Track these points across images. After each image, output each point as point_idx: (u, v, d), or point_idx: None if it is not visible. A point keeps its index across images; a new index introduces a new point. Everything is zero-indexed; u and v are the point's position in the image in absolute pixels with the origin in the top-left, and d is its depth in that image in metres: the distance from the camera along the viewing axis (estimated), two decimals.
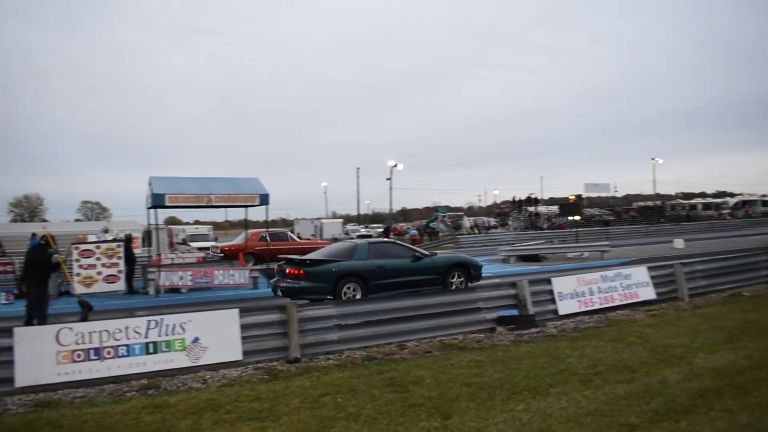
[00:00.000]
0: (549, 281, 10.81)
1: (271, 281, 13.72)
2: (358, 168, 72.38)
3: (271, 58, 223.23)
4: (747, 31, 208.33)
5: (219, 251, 24.16)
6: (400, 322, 9.19)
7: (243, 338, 8.03)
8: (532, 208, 54.58)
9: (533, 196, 59.55)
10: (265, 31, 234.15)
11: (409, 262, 13.13)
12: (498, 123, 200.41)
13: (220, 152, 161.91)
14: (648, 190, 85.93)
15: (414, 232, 47.16)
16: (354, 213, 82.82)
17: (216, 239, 46.74)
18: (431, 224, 51.02)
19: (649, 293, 11.68)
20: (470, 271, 13.77)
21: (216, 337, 7.95)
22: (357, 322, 8.89)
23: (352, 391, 6.56)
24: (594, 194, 70.95)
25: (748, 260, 14.06)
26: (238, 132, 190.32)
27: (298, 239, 26.31)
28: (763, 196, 75.59)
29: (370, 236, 50.01)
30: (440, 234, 47.48)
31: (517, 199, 61.39)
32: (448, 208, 64.79)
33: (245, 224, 30.46)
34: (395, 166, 56.74)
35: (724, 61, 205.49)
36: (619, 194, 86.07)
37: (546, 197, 71.92)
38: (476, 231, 52.24)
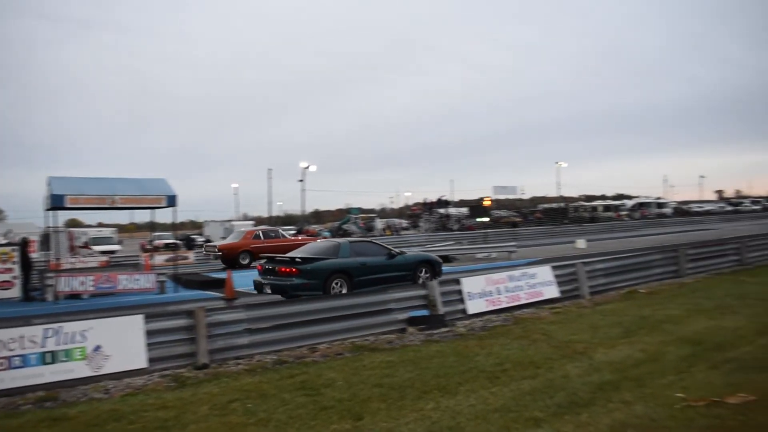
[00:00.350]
0: (458, 281, 11.05)
1: (255, 279, 14.11)
2: (270, 169, 71.54)
3: (178, 56, 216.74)
4: (646, 44, 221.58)
5: (217, 249, 24.48)
6: (312, 325, 9.14)
7: (148, 345, 7.73)
8: (442, 210, 55.72)
9: (444, 198, 60.89)
10: (173, 29, 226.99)
11: (385, 260, 14.29)
12: (410, 126, 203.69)
13: (124, 152, 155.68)
14: (553, 193, 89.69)
15: (327, 234, 46.98)
16: (266, 215, 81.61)
17: (120, 242, 44.91)
18: (344, 226, 51.07)
19: (553, 292, 12.17)
20: (434, 267, 15.26)
21: (119, 344, 7.61)
22: (268, 326, 8.77)
23: (262, 396, 6.46)
24: (502, 196, 73.49)
25: (643, 259, 14.94)
26: (144, 131, 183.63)
27: (287, 237, 26.59)
28: (658, 198, 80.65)
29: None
30: (353, 236, 47.59)
31: (428, 201, 62.57)
32: (360, 210, 65.03)
33: (151, 227, 29.45)
34: (308, 167, 56.51)
35: (625, 71, 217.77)
36: (526, 196, 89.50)
37: (456, 199, 73.63)
38: (388, 232, 52.73)
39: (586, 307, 11.41)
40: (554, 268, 12.62)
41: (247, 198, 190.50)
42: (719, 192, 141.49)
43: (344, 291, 12.88)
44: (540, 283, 12.11)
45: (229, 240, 25.88)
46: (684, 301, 11.32)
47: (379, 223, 56.98)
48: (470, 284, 11.11)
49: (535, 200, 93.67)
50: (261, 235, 23.41)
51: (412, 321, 10.01)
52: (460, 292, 10.90)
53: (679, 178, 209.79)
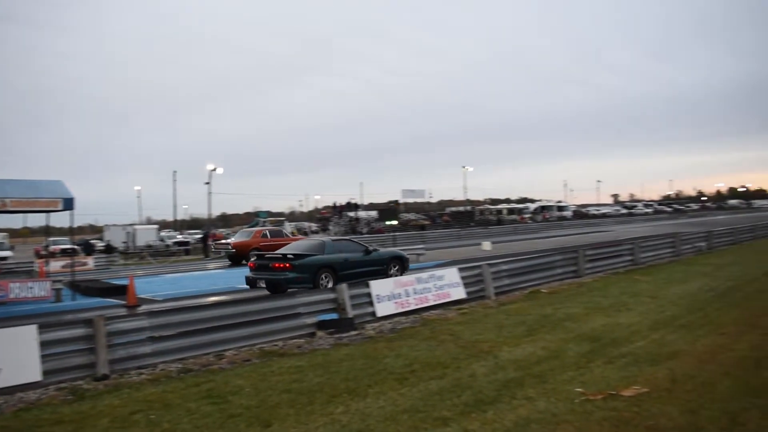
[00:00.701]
0: (367, 284, 11.11)
1: (247, 275, 15.02)
2: (175, 171, 68.75)
3: (83, 53, 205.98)
4: (553, 53, 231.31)
5: (231, 247, 26.59)
6: (219, 331, 8.91)
7: (43, 357, 7.26)
8: (352, 213, 55.84)
9: (353, 201, 61.04)
10: (79, 25, 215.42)
11: (362, 256, 15.57)
12: (321, 128, 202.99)
13: (18, 152, 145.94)
14: (460, 196, 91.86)
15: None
16: (171, 218, 78.78)
17: (12, 248, 42.15)
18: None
19: (460, 293, 12.45)
20: (403, 262, 16.80)
21: (10, 357, 7.10)
22: (172, 333, 8.47)
23: (166, 406, 6.23)
24: (410, 200, 74.52)
25: (545, 260, 15.55)
26: (41, 131, 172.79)
27: (291, 236, 29.65)
28: (559, 202, 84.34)
29: (188, 243, 48.15)
30: None
31: (337, 204, 62.54)
32: (269, 213, 64.08)
33: (46, 230, 27.84)
34: (214, 169, 54.90)
35: (531, 77, 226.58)
36: (434, 200, 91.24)
37: (366, 202, 74.01)
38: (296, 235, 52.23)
39: (492, 307, 11.73)
40: (461, 269, 12.91)
41: (151, 201, 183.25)
42: (615, 196, 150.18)
43: (330, 284, 13.65)
44: (447, 284, 12.35)
45: (241, 239, 27.63)
46: (583, 300, 11.87)
47: (288, 227, 56.38)
48: (379, 287, 11.18)
49: (443, 204, 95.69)
50: (268, 234, 26.52)
51: (321, 325, 9.95)
52: (369, 295, 10.94)
53: (579, 182, 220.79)
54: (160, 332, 8.38)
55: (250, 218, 70.56)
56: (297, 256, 14.33)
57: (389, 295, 11.22)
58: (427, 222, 61.74)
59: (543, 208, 75.65)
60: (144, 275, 24.27)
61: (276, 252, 15.54)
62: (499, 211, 74.47)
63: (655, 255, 19.39)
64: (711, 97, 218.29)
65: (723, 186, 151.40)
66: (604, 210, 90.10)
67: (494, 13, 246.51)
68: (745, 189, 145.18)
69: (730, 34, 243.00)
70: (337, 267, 14.61)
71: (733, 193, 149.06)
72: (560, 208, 77.75)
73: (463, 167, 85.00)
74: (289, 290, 13.14)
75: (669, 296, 11.90)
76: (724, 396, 5.71)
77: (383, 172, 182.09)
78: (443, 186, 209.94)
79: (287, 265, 14.04)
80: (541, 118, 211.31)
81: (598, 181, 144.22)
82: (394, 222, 56.75)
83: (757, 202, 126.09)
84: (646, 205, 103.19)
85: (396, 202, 67.51)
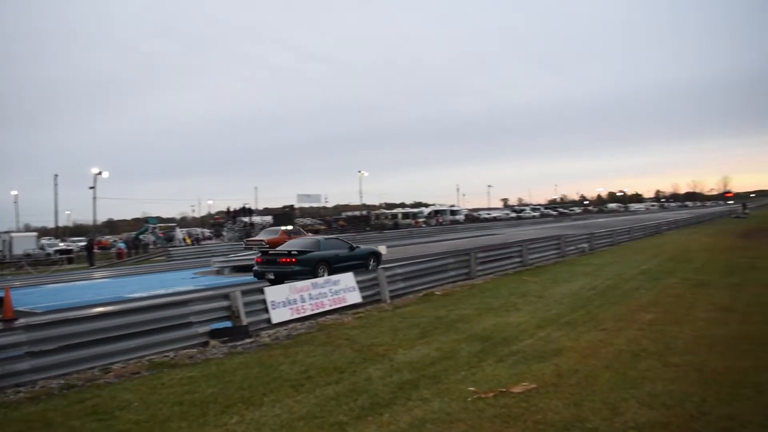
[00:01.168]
0: (262, 291, 10.94)
1: (255, 269, 17.46)
2: (56, 175, 64.32)
3: None
4: (439, 60, 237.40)
5: (265, 243, 29.64)
6: (105, 344, 8.47)
7: None
8: (246, 219, 54.80)
9: (247, 206, 59.89)
10: None
11: (348, 251, 18.37)
12: (213, 131, 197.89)
13: None
14: (356, 201, 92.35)
15: (121, 245, 43.87)
16: (52, 225, 73.79)
17: None
18: (140, 236, 48.04)
19: (355, 297, 12.53)
20: (378, 258, 19.60)
21: None
22: (54, 348, 7.96)
23: (47, 425, 5.87)
24: (306, 204, 74.16)
25: (438, 263, 15.94)
26: None
27: (306, 234, 33.15)
28: (452, 206, 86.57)
29: (70, 251, 45.54)
30: (150, 246, 44.99)
31: (231, 209, 61.18)
32: (159, 219, 61.62)
33: None
34: (100, 173, 52.06)
35: (424, 85, 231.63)
36: (330, 204, 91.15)
37: (261, 207, 72.95)
38: (189, 241, 50.67)
39: (387, 310, 11.89)
40: (356, 274, 13.01)
41: (30, 206, 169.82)
42: (505, 200, 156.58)
43: (326, 275, 15.00)
44: (343, 289, 12.40)
45: (270, 236, 31.75)
46: (475, 301, 12.28)
47: (180, 233, 54.58)
48: (274, 293, 11.06)
49: (339, 208, 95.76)
50: (290, 232, 32.27)
51: (214, 334, 9.70)
52: (264, 301, 10.79)
53: (471, 187, 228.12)
54: (40, 347, 7.86)
55: (138, 224, 67.61)
56: (300, 252, 16.91)
57: (285, 302, 11.11)
58: (322, 227, 61.59)
59: (437, 212, 77.48)
60: (22, 286, 22.86)
61: (280, 249, 18.08)
62: (395, 216, 75.54)
63: (541, 256, 20.39)
64: (591, 108, 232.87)
65: (603, 191, 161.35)
66: (494, 214, 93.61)
67: (391, 20, 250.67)
68: (623, 193, 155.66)
69: (604, 51, 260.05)
70: (331, 261, 17.28)
71: (612, 197, 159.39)
72: (453, 212, 79.92)
73: (359, 172, 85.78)
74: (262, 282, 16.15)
75: (554, 295, 12.55)
76: (605, 388, 6.11)
77: (279, 176, 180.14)
78: (340, 191, 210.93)
79: (293, 260, 16.55)
80: (435, 125, 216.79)
81: (489, 186, 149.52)
82: (290, 227, 56.19)
83: (634, 206, 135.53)
84: (534, 209, 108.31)
85: (291, 206, 66.85)
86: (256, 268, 17.45)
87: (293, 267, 16.42)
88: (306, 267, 16.48)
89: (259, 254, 18.65)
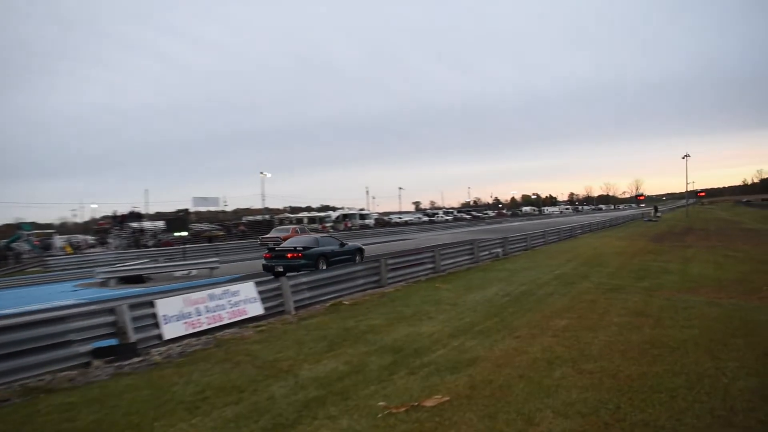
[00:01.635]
0: (152, 304, 10.56)
1: (264, 263, 20.75)
2: None
3: None
4: (348, 56, 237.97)
5: (282, 239, 33.25)
6: None
7: None
8: (135, 224, 52.99)
9: (136, 210, 57.95)
10: None
11: (339, 247, 21.98)
12: (95, 127, 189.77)
13: None
14: (258, 204, 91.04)
15: None
16: None
17: None
18: (12, 244, 45.34)
19: (257, 309, 12.33)
20: (362, 254, 23.41)
21: None
22: None
23: None
24: (203, 208, 72.54)
25: (346, 270, 15.94)
26: None
27: (309, 232, 39.99)
28: (361, 210, 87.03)
29: None
30: (24, 256, 42.52)
31: (118, 214, 58.93)
32: (35, 225, 58.44)
33: None
34: None
35: (328, 82, 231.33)
36: (229, 208, 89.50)
37: (152, 212, 70.66)
38: (69, 250, 48.30)
39: (292, 322, 11.78)
40: (258, 283, 12.79)
41: None
42: (416, 203, 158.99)
43: (324, 267, 19.43)
44: (243, 300, 12.17)
45: (283, 234, 37.66)
46: (385, 311, 12.37)
47: (59, 240, 51.95)
48: (166, 306, 10.69)
49: (240, 212, 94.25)
50: (299, 230, 39.16)
51: (98, 353, 9.27)
52: (154, 315, 10.42)
53: (381, 189, 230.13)
54: None
55: (10, 231, 63.85)
56: (305, 248, 20.41)
57: (178, 315, 10.78)
58: (221, 233, 60.40)
59: (345, 216, 77.72)
60: None
61: (286, 245, 21.54)
62: (300, 220, 75.12)
63: (455, 262, 20.80)
64: (502, 108, 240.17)
65: (517, 193, 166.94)
66: (406, 218, 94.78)
67: (289, 12, 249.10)
68: (536, 196, 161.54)
69: (517, 49, 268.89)
70: (329, 255, 20.90)
71: (526, 200, 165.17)
72: (363, 216, 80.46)
73: (261, 173, 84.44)
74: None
75: (468, 303, 12.82)
76: (519, 398, 6.29)
77: (173, 177, 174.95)
78: (240, 193, 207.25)
79: (300, 254, 20.05)
80: (343, 123, 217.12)
81: (400, 189, 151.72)
82: (184, 233, 54.72)
83: (548, 209, 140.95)
84: (447, 213, 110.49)
85: (186, 211, 65.28)
86: (264, 263, 20.82)
87: (300, 261, 19.88)
88: (309, 261, 19.97)
89: (267, 251, 21.84)
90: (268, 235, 42.24)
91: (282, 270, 19.55)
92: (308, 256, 20.14)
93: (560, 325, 10.12)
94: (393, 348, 8.93)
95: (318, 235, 24.79)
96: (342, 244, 22.41)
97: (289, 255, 20.17)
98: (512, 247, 26.43)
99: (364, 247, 24.30)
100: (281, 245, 22.50)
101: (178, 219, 60.44)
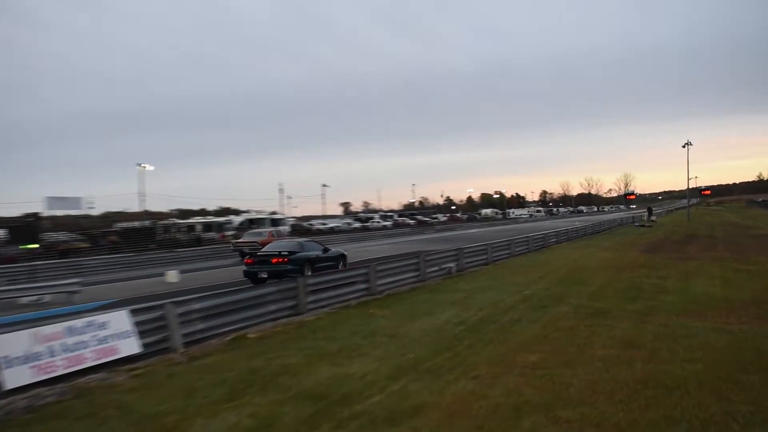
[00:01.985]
0: None
1: (245, 270, 24.36)
2: None
3: None
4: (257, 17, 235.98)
5: (258, 243, 38.38)
6: None
7: None
8: None
9: None
10: None
11: (323, 253, 26.07)
12: None
13: None
14: (135, 207, 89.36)
15: None
16: None
17: None
18: None
19: (132, 346, 12.08)
20: (345, 259, 28.11)
21: None
22: None
23: None
24: (61, 212, 70.81)
25: (253, 293, 15.81)
26: None
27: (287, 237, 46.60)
28: (273, 213, 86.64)
29: None
30: None
31: None
32: None
33: None
34: None
35: (232, 48, 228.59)
36: (96, 212, 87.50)
37: None
38: None
39: (180, 363, 11.61)
40: (134, 312, 12.53)
41: None
42: (346, 205, 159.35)
43: (309, 273, 22.50)
44: (114, 335, 11.92)
45: (259, 238, 43.13)
46: (304, 345, 12.32)
47: None
48: (7, 345, 10.40)
49: (110, 217, 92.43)
50: (275, 234, 46.64)
51: None
52: None
53: (299, 187, 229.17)
54: None
55: None
56: (290, 253, 24.08)
57: (24, 357, 10.48)
58: (85, 245, 59.16)
59: (252, 221, 77.03)
60: None
61: (270, 250, 25.43)
62: (192, 227, 74.27)
63: (395, 281, 20.92)
64: (454, 83, 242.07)
65: (474, 192, 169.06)
66: (332, 224, 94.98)
67: None
68: (500, 195, 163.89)
69: (475, 8, 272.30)
70: (314, 260, 24.81)
71: (487, 200, 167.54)
72: (275, 222, 79.87)
73: (140, 165, 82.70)
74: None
75: (412, 334, 12.89)
76: None
77: (16, 172, 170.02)
78: (111, 192, 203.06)
79: (285, 260, 23.52)
80: (252, 100, 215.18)
81: (324, 186, 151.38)
82: (35, 245, 53.37)
83: (515, 212, 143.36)
84: (385, 217, 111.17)
85: (36, 215, 63.64)
86: (246, 269, 24.31)
87: (287, 266, 23.24)
88: (295, 266, 23.26)
89: (249, 256, 26.02)
90: (242, 240, 47.66)
91: (266, 276, 22.73)
92: (294, 261, 23.69)
93: (529, 360, 10.24)
94: (314, 395, 8.88)
95: (301, 239, 29.89)
96: (325, 250, 26.63)
97: (273, 260, 23.61)
98: (469, 260, 26.75)
99: (346, 253, 29.10)
100: (263, 250, 26.30)
101: (26, 226, 58.88)
